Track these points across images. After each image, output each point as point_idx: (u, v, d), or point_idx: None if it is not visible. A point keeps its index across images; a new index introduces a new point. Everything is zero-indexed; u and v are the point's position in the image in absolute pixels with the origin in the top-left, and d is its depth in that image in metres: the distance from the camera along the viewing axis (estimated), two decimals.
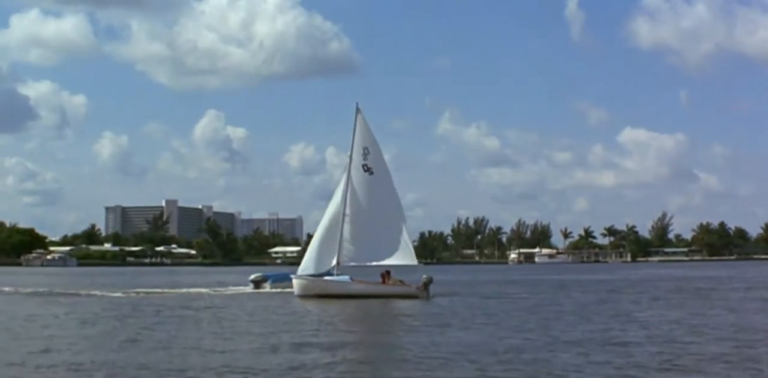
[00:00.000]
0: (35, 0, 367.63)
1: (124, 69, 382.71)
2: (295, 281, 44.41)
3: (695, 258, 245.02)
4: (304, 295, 42.85)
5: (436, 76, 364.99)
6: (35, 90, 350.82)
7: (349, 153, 45.53)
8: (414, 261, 44.79)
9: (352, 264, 44.58)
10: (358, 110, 45.77)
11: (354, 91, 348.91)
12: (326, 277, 43.93)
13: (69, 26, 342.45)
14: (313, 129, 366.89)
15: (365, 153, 45.13)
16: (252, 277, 53.53)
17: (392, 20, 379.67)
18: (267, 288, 51.30)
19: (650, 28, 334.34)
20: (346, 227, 44.51)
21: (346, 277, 43.72)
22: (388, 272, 43.55)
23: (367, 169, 45.11)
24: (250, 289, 51.84)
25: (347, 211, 44.68)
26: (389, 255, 44.15)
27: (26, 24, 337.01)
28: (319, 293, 42.51)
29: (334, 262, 43.98)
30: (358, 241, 44.29)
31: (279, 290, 48.67)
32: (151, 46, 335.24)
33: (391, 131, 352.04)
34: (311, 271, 44.46)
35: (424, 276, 42.77)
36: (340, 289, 42.55)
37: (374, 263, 44.47)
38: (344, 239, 44.31)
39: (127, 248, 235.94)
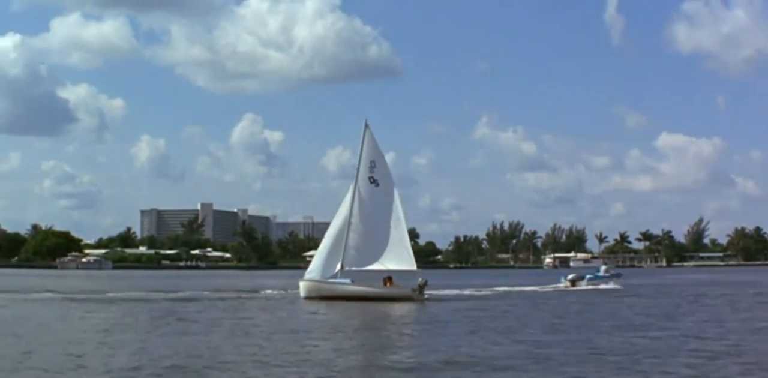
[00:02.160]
0: (77, 4, 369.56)
1: (164, 72, 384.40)
2: (300, 284, 47.30)
3: (730, 263, 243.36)
4: (309, 297, 45.57)
5: (474, 80, 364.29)
6: (74, 93, 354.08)
7: (356, 165, 48.53)
8: (413, 266, 47.39)
9: (355, 268, 47.23)
10: (366, 126, 49.15)
11: (392, 94, 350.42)
12: (329, 280, 46.62)
13: (110, 29, 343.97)
14: (351, 133, 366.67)
15: (372, 166, 48.38)
16: (570, 276, 63.19)
17: (431, 24, 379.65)
18: (583, 285, 60.87)
19: (689, 33, 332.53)
20: (352, 235, 47.44)
21: (347, 280, 46.33)
22: (390, 277, 46.51)
23: (373, 181, 48.25)
24: (563, 286, 61.30)
25: (353, 220, 47.63)
26: (390, 260, 46.94)
27: (67, 28, 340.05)
28: (322, 295, 45.27)
29: (339, 267, 46.63)
30: (362, 248, 47.22)
31: (593, 287, 59.10)
32: (190, 50, 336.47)
33: (429, 135, 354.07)
34: (316, 276, 47.10)
35: (420, 279, 45.82)
36: (341, 291, 45.24)
37: (375, 268, 47.10)
38: (349, 246, 47.20)
39: (162, 251, 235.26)
